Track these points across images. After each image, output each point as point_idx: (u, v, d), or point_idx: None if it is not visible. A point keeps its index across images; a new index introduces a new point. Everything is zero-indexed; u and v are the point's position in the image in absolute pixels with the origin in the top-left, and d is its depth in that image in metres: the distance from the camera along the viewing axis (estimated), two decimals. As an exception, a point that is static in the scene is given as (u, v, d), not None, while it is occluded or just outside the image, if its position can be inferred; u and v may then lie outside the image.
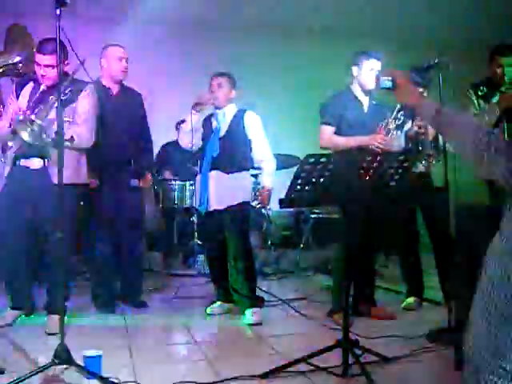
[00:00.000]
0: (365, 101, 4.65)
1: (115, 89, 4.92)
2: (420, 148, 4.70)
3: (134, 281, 5.15)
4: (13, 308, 4.37)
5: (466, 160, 2.05)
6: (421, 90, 4.43)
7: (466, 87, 4.92)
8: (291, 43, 9.23)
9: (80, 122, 4.23)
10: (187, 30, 8.90)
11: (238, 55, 8.75)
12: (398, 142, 4.68)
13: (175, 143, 7.54)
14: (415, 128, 4.66)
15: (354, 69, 4.62)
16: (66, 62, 4.18)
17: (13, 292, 4.39)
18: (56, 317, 3.90)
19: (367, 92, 4.64)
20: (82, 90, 4.29)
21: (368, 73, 4.55)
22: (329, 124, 4.54)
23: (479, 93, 4.86)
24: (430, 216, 4.89)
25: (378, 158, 3.12)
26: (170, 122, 7.52)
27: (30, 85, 4.32)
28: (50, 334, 4.01)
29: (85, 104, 4.30)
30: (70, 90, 4.13)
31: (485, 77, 4.98)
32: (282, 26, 9.03)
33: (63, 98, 3.74)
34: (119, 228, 4.98)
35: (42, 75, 4.17)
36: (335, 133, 4.54)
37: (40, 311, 4.45)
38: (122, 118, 4.87)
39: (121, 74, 4.89)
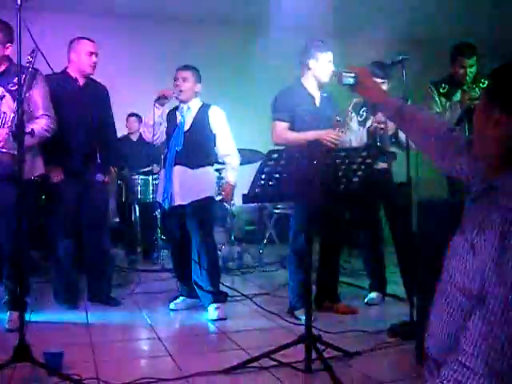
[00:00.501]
0: (316, 94, 4.62)
1: (81, 81, 4.84)
2: (378, 143, 4.72)
3: (103, 277, 5.08)
4: None
5: (426, 156, 2.06)
6: (380, 80, 4.49)
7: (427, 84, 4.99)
8: (254, 37, 9.25)
9: (39, 113, 4.16)
10: (147, 23, 8.91)
11: (201, 48, 8.76)
12: (358, 137, 4.72)
13: (126, 137, 7.58)
14: (375, 124, 4.69)
15: (311, 62, 4.54)
16: (7, 45, 4.08)
17: None
18: (16, 313, 3.84)
19: (321, 85, 4.63)
20: (33, 79, 4.07)
21: (325, 65, 4.53)
22: (282, 120, 4.49)
23: (441, 90, 4.93)
24: (391, 212, 4.93)
25: (343, 154, 3.13)
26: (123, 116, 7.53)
27: None
28: (9, 331, 3.95)
29: (41, 93, 4.20)
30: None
31: (446, 74, 5.05)
32: (247, 20, 9.06)
33: (12, 89, 3.75)
34: (84, 224, 4.92)
35: None
36: (289, 128, 4.51)
37: None
38: (88, 109, 4.79)
39: (89, 68, 4.81)
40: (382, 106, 2.28)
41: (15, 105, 3.69)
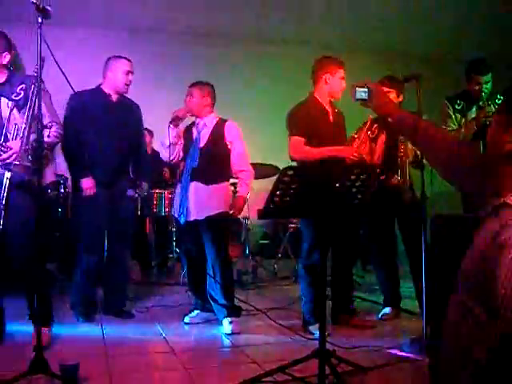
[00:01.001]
0: (330, 109, 4.66)
1: (114, 97, 4.92)
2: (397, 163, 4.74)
3: (119, 291, 5.14)
4: None
5: (438, 171, 2.07)
6: (386, 89, 4.52)
7: (442, 100, 5.00)
8: (261, 51, 9.37)
9: (47, 120, 4.05)
10: (160, 36, 9.01)
11: (221, 65, 8.84)
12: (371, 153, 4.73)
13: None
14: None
15: (327, 76, 4.58)
16: (4, 55, 4.03)
17: None
18: (44, 329, 3.74)
19: (333, 101, 4.67)
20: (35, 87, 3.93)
21: (340, 82, 4.58)
22: (298, 135, 4.50)
23: (456, 106, 4.94)
24: (405, 227, 4.93)
25: (355, 171, 3.15)
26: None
27: None
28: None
29: (46, 100, 4.05)
30: (21, 89, 3.95)
31: (461, 90, 5.06)
32: (259, 33, 9.16)
33: (16, 99, 3.74)
34: (110, 238, 4.97)
35: None
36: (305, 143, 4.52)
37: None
38: (120, 125, 4.85)
39: (124, 87, 4.90)
40: (395, 121, 2.28)
41: (25, 116, 3.77)
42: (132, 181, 5.07)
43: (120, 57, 4.96)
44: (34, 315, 3.93)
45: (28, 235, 3.73)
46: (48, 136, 4.00)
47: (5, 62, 4.03)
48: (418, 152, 4.35)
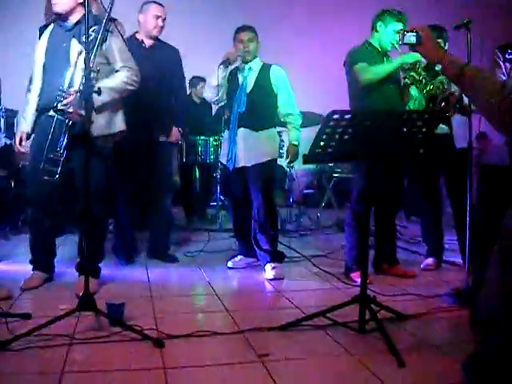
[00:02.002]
0: (384, 56, 4.58)
1: (148, 43, 4.94)
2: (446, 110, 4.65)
3: (162, 236, 5.23)
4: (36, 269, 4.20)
5: (486, 118, 2.03)
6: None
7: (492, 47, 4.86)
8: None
9: (118, 66, 4.00)
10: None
11: (270, 7, 8.73)
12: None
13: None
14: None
15: (380, 24, 4.51)
16: None
17: (36, 251, 4.20)
18: (92, 279, 3.67)
19: (383, 51, 4.59)
20: (108, 30, 3.86)
21: (392, 33, 4.48)
22: (362, 61, 4.38)
23: (507, 56, 4.79)
24: (451, 178, 4.88)
25: (404, 117, 3.12)
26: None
27: (50, 28, 4.05)
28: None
29: (119, 44, 4.00)
30: (93, 30, 3.72)
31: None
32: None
33: (87, 41, 3.44)
34: (149, 185, 5.06)
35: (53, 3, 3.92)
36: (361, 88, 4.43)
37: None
38: (154, 70, 4.80)
39: (155, 30, 4.92)
40: (443, 67, 2.25)
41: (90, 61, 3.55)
42: (166, 127, 5.06)
43: (151, 1, 4.97)
44: (82, 266, 3.99)
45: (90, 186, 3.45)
46: (114, 83, 3.93)
47: (80, 0, 3.90)
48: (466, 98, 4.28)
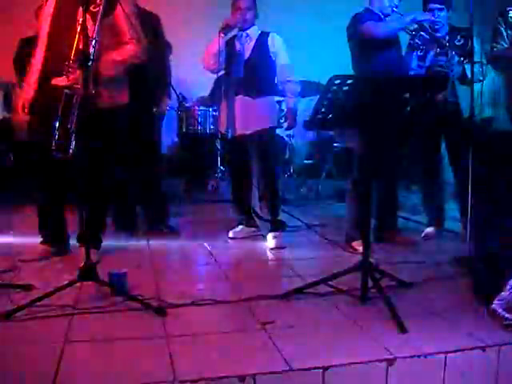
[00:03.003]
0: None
1: None
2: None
3: (157, 208, 5.17)
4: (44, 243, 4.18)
5: None
6: (438, 6, 4.44)
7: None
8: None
9: (125, 38, 3.88)
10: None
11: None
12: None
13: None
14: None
15: None
16: None
17: (45, 225, 4.18)
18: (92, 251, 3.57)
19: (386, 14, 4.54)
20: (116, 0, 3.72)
21: None
22: (368, 20, 4.37)
23: (509, 20, 4.71)
24: (453, 146, 4.84)
25: (407, 81, 3.10)
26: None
27: None
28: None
29: (124, 15, 3.82)
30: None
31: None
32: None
33: (95, 10, 3.40)
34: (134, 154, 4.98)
35: None
36: (366, 50, 4.42)
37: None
38: None
39: None
40: None
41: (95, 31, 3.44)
42: (150, 96, 4.96)
43: None
44: (83, 237, 3.94)
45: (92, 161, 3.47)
46: (121, 55, 3.84)
47: None
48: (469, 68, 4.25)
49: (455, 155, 4.79)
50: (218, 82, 5.01)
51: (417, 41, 4.62)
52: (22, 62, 4.45)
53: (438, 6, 4.63)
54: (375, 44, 4.37)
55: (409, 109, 3.23)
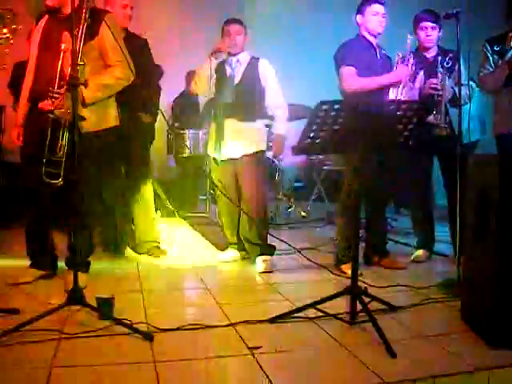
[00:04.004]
0: (377, 48, 4.59)
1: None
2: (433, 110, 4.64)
3: (146, 228, 5.13)
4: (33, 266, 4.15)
5: None
6: (431, 25, 4.50)
7: (480, 38, 4.83)
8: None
9: (111, 61, 3.90)
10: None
11: (250, 3, 8.71)
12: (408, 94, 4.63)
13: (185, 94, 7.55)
14: (429, 89, 4.61)
15: (358, 17, 4.57)
16: None
17: (33, 249, 4.14)
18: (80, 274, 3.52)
19: (376, 37, 4.58)
20: (98, 21, 3.80)
21: (372, 17, 4.51)
22: (350, 65, 4.43)
23: (495, 48, 4.76)
24: (447, 169, 4.82)
25: (394, 107, 3.12)
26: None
27: (45, 18, 3.94)
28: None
29: (111, 38, 3.86)
30: (85, 21, 3.60)
31: (504, 32, 4.88)
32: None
33: (78, 34, 3.46)
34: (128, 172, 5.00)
35: None
36: None
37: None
38: None
39: (124, 21, 4.73)
40: None
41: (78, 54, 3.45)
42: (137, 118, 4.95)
43: None
44: (72, 261, 3.89)
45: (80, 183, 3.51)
46: (107, 78, 3.86)
47: None
48: (457, 90, 4.28)
49: (449, 179, 4.78)
50: (207, 105, 4.99)
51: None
52: (16, 86, 4.46)
53: (431, 24, 4.70)
54: (359, 74, 4.45)
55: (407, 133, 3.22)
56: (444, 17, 4.17)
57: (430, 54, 4.80)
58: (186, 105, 7.54)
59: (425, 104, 4.29)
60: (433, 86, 4.59)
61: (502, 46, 4.68)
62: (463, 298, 3.36)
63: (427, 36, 4.74)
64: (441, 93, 4.61)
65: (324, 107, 2.84)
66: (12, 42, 3.64)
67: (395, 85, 4.47)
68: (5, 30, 3.65)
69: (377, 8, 4.49)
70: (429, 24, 4.72)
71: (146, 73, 4.91)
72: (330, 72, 4.64)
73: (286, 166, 7.71)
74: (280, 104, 4.79)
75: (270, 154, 5.58)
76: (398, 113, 3.08)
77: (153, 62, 5.12)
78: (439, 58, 4.72)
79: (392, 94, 4.48)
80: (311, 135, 2.92)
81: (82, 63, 3.51)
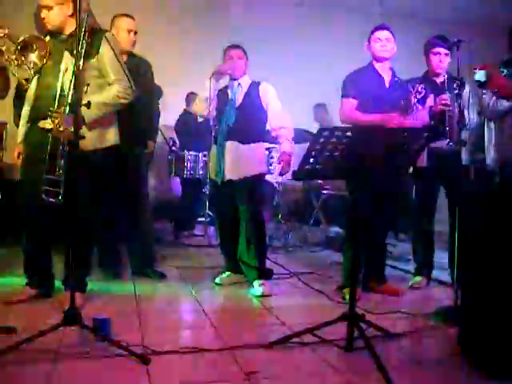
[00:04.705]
0: (387, 76, 4.60)
1: (123, 58, 4.81)
2: (446, 125, 4.62)
3: (143, 251, 5.13)
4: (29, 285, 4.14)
5: None
6: (444, 51, 4.54)
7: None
8: (305, 16, 9.27)
9: (111, 79, 3.93)
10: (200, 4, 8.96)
11: (255, 27, 8.77)
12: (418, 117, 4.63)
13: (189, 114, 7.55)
14: (440, 106, 4.61)
15: (366, 45, 4.61)
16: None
17: (30, 268, 4.13)
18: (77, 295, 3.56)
19: (385, 64, 4.60)
20: (99, 40, 3.85)
21: (374, 44, 4.55)
22: (352, 97, 4.48)
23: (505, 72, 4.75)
24: (453, 197, 4.81)
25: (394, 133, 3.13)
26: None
27: (47, 39, 3.94)
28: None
29: (110, 56, 3.89)
30: (85, 40, 3.61)
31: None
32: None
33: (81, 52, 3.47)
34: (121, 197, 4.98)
35: (42, 18, 3.90)
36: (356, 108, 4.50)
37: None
38: None
39: (128, 45, 4.81)
40: None
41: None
42: (138, 139, 4.98)
43: (123, 14, 4.90)
44: (68, 282, 3.93)
45: (79, 205, 3.59)
46: (106, 96, 3.88)
47: (69, 13, 3.88)
48: (466, 114, 4.31)
49: (454, 206, 4.72)
50: (206, 128, 5.01)
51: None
52: (21, 99, 4.48)
53: (445, 50, 4.73)
54: (362, 106, 4.48)
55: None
56: (452, 44, 4.19)
57: (439, 80, 4.82)
58: (186, 126, 7.55)
59: (433, 129, 4.31)
60: (444, 102, 4.59)
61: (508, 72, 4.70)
62: (461, 324, 3.35)
63: (440, 62, 4.76)
64: (451, 108, 4.58)
65: (324, 133, 2.86)
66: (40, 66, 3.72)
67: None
68: (33, 56, 3.72)
69: (378, 34, 4.53)
70: (442, 50, 4.75)
71: (149, 93, 4.97)
72: (330, 97, 4.66)
73: (285, 189, 7.72)
74: (284, 124, 4.81)
75: (269, 177, 5.60)
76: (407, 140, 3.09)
77: (153, 82, 5.16)
78: (448, 83, 4.71)
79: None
80: (311, 161, 2.93)
81: (86, 84, 3.55)
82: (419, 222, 5.06)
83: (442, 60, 4.78)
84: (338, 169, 3.08)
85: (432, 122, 4.68)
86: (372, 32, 4.58)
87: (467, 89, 4.52)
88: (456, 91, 4.51)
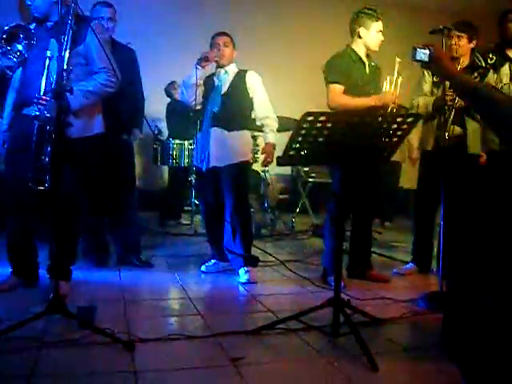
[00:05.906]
0: (366, 62, 4.59)
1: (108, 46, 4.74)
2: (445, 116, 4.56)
3: (129, 240, 5.12)
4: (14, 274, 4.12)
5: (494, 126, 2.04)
6: (457, 33, 4.48)
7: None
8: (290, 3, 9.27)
9: (97, 67, 3.89)
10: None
11: (236, 16, 8.75)
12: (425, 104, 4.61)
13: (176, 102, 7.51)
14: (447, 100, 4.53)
15: (362, 30, 4.51)
16: None
17: (14, 256, 4.11)
18: (63, 282, 3.71)
19: (369, 54, 4.60)
20: (85, 28, 3.77)
21: (376, 35, 4.52)
22: (337, 83, 4.44)
23: (488, 61, 4.75)
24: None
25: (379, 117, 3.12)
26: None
27: (32, 26, 3.87)
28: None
29: (97, 45, 3.80)
30: (71, 28, 3.45)
31: (494, 43, 4.88)
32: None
33: (66, 40, 3.41)
34: (109, 184, 4.95)
35: (28, 5, 3.85)
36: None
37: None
38: None
39: (107, 33, 4.72)
40: (454, 84, 2.23)
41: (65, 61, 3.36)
42: (125, 127, 4.99)
43: (99, 2, 4.85)
44: (53, 269, 3.84)
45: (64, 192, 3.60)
46: (92, 85, 3.82)
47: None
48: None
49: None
50: (194, 115, 4.97)
51: None
52: (2, 89, 4.43)
53: (458, 33, 4.63)
54: (346, 91, 4.46)
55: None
56: (430, 33, 4.13)
57: (461, 65, 4.70)
58: (173, 114, 7.53)
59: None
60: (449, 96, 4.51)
61: (497, 57, 4.69)
62: (445, 311, 3.35)
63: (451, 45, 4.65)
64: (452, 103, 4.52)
65: (309, 118, 2.84)
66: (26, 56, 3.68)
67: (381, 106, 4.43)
68: (19, 47, 3.67)
69: (380, 26, 4.51)
70: (456, 33, 4.64)
71: (133, 81, 4.94)
72: (317, 84, 4.65)
73: (272, 178, 7.71)
74: (268, 114, 4.80)
75: (255, 166, 5.59)
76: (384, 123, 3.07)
77: (139, 72, 5.13)
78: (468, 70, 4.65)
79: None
80: (296, 146, 2.92)
81: (68, 69, 3.48)
82: (421, 211, 5.03)
83: (454, 42, 4.67)
84: (322, 154, 3.07)
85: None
86: (375, 20, 4.49)
87: None
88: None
